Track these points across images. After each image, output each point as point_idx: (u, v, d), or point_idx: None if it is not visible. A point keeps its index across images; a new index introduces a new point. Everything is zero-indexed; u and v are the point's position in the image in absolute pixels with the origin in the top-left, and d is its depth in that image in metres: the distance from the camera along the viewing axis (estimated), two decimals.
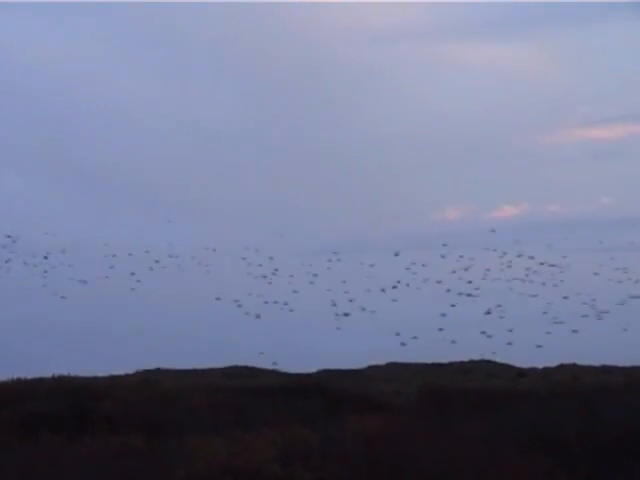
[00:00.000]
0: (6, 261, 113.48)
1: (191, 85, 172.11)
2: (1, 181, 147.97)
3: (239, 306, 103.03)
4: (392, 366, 79.02)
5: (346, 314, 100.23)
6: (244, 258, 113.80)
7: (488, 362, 79.37)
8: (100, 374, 58.14)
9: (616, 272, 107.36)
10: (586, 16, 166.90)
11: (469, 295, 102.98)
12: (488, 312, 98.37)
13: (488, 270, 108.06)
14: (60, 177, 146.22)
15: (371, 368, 78.20)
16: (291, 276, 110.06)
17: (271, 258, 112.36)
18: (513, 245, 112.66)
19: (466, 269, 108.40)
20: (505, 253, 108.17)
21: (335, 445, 27.04)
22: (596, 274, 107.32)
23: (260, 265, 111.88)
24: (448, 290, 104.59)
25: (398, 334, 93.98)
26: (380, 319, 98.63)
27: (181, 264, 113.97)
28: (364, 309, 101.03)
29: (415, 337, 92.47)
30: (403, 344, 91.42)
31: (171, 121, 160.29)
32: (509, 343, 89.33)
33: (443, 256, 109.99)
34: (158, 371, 71.32)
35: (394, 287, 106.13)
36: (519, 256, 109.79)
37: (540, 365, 75.52)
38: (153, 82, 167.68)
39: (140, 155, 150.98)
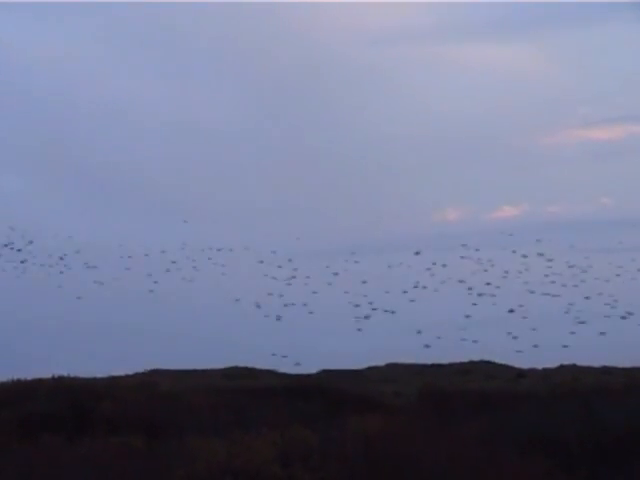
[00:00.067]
0: (22, 262, 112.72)
1: (191, 85, 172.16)
2: (1, 181, 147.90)
3: (258, 307, 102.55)
4: (392, 367, 79.06)
5: (367, 316, 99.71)
6: (261, 261, 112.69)
7: (487, 363, 79.36)
8: (103, 374, 58.30)
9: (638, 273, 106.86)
10: (586, 17, 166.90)
11: (491, 295, 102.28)
12: (511, 310, 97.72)
13: (507, 272, 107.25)
14: (60, 177, 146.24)
15: (370, 369, 78.26)
16: (308, 277, 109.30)
17: (290, 260, 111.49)
18: (534, 245, 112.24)
19: (485, 270, 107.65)
20: (526, 256, 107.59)
21: (335, 446, 27.04)
22: (617, 275, 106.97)
23: (280, 266, 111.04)
24: (470, 289, 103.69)
25: (419, 333, 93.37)
26: (401, 320, 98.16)
27: (198, 265, 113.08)
28: (385, 310, 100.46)
29: (439, 337, 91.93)
30: (427, 346, 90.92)
31: (171, 121, 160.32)
32: (535, 345, 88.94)
33: (463, 257, 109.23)
34: (157, 372, 71.38)
35: (414, 287, 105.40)
36: (540, 255, 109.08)
37: (540, 366, 75.54)
38: (153, 82, 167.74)
39: (140, 155, 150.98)
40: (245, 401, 43.09)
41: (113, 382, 50.61)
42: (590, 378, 59.12)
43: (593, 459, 29.73)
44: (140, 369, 70.00)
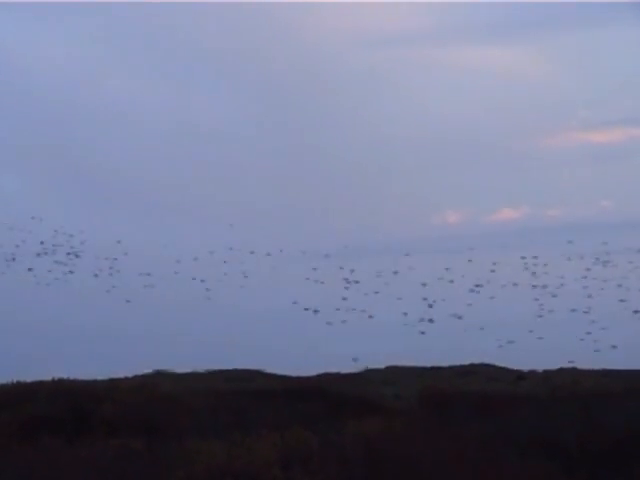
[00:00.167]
0: (70, 266, 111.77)
1: (191, 86, 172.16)
2: (1, 182, 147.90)
3: (315, 312, 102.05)
4: (392, 369, 79.11)
5: (430, 320, 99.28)
6: (315, 268, 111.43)
7: (488, 365, 79.42)
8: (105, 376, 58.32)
9: None
10: (586, 19, 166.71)
11: (554, 296, 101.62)
12: (573, 310, 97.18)
13: (563, 275, 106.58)
14: (60, 178, 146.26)
15: (370, 371, 78.30)
16: (357, 282, 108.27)
17: (341, 268, 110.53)
18: (600, 247, 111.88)
19: (533, 273, 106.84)
20: (582, 257, 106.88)
21: (335, 448, 27.04)
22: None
23: (333, 271, 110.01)
24: (534, 288, 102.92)
25: (494, 337, 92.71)
26: (466, 322, 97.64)
27: (246, 270, 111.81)
28: (449, 312, 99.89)
29: (511, 341, 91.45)
30: (501, 346, 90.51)
31: (171, 122, 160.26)
32: (614, 346, 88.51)
33: (521, 258, 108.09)
34: (159, 374, 71.40)
35: (476, 289, 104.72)
36: (599, 259, 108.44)
37: (540, 368, 75.53)
38: (153, 83, 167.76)
39: (140, 156, 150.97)
40: (245, 403, 43.11)
41: (113, 384, 50.60)
42: (590, 381, 59.15)
43: (593, 461, 29.75)
44: (139, 372, 70.06)
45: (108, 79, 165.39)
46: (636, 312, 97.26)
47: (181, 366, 74.53)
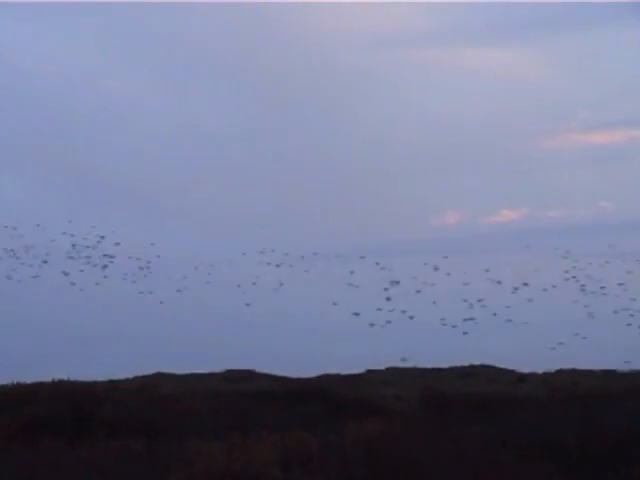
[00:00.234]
0: (106, 265, 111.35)
1: (191, 87, 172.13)
2: (2, 184, 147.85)
3: (356, 315, 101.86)
4: (392, 370, 79.10)
5: (472, 318, 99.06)
6: (353, 272, 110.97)
7: (488, 367, 79.41)
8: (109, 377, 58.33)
9: None
10: (586, 20, 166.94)
11: (603, 294, 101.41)
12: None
13: (601, 278, 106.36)
14: (59, 179, 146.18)
15: (371, 372, 78.28)
16: (398, 282, 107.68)
17: (382, 268, 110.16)
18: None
19: (573, 277, 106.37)
20: (625, 259, 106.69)
21: (335, 449, 27.04)
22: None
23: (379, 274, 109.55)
24: (582, 290, 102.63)
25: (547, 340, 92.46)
26: (514, 323, 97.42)
27: (282, 273, 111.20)
28: (491, 312, 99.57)
29: (561, 343, 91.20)
30: (552, 348, 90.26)
31: (171, 122, 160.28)
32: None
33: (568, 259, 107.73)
34: (159, 375, 71.38)
35: (515, 289, 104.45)
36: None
37: (540, 370, 75.52)
38: (153, 83, 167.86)
39: (139, 156, 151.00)
40: (245, 404, 43.09)
41: (113, 386, 50.59)
42: (590, 382, 59.15)
43: (593, 463, 29.74)
44: (139, 373, 70.00)
45: (108, 79, 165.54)
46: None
47: (196, 367, 74.40)
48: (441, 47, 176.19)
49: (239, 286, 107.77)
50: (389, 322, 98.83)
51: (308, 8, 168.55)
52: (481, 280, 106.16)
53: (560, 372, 73.16)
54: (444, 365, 79.81)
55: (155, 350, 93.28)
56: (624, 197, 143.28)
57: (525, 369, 76.21)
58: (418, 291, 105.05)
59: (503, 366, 78.75)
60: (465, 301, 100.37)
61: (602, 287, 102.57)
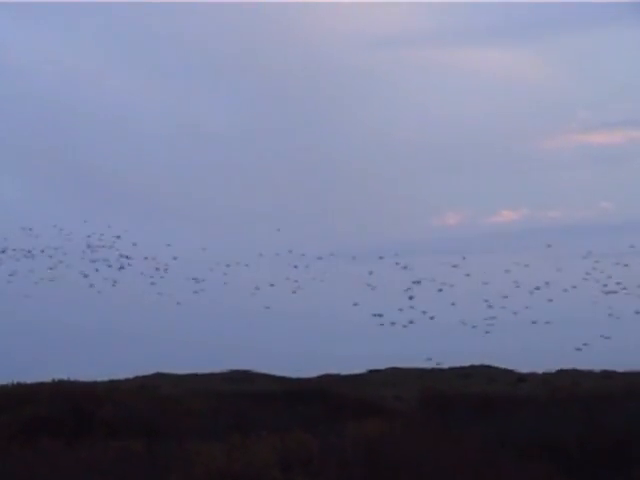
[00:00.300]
0: (121, 268, 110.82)
1: (191, 87, 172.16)
2: (2, 185, 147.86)
3: (379, 315, 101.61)
4: (392, 371, 79.13)
5: (492, 317, 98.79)
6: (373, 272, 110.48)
7: (488, 367, 79.46)
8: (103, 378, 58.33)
9: None
10: (586, 20, 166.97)
11: (627, 293, 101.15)
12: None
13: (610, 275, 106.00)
14: (59, 179, 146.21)
15: (371, 373, 78.34)
16: (418, 282, 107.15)
17: (405, 267, 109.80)
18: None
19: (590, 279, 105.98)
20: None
21: (335, 450, 27.03)
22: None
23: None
24: (607, 290, 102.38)
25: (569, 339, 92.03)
26: (539, 325, 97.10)
27: (299, 274, 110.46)
28: (513, 312, 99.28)
29: (585, 344, 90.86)
30: (578, 349, 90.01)
31: (170, 123, 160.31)
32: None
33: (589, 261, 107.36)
34: (159, 375, 71.43)
35: (537, 289, 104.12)
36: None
37: (540, 370, 75.54)
38: (153, 83, 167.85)
39: (139, 157, 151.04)
40: (245, 405, 43.10)
41: (113, 386, 50.62)
42: (590, 382, 59.19)
43: (593, 463, 29.75)
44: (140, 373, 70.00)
45: (108, 79, 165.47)
46: None
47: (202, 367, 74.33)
48: (441, 47, 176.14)
49: (257, 288, 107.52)
50: (412, 322, 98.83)
51: (308, 8, 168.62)
52: (501, 280, 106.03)
53: (561, 372, 73.23)
54: (444, 365, 79.93)
55: (154, 350, 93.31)
56: (624, 197, 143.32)
57: (524, 369, 76.29)
58: (440, 290, 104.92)
59: (504, 366, 78.81)
60: (485, 301, 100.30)
61: (623, 288, 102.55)
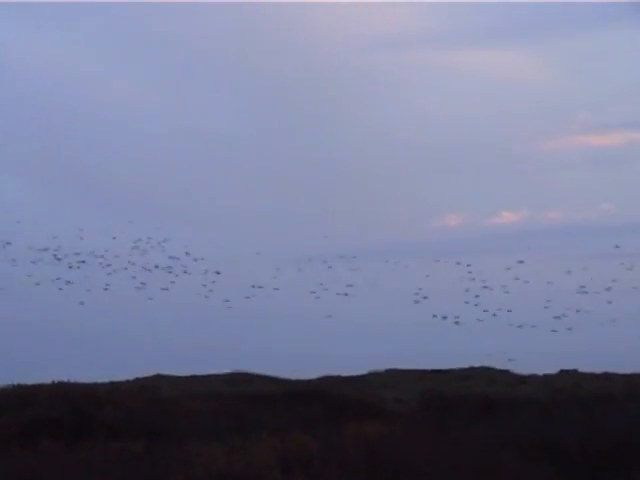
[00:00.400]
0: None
1: (191, 87, 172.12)
2: (2, 186, 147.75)
3: (443, 318, 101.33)
4: (392, 372, 79.06)
5: (557, 317, 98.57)
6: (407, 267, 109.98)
7: (488, 369, 79.36)
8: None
9: None
10: (586, 21, 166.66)
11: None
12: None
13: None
14: (58, 180, 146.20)
15: (371, 374, 78.26)
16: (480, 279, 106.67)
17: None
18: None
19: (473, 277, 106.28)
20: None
21: (336, 452, 27.01)
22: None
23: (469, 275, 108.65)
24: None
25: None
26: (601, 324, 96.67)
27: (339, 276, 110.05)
28: (578, 311, 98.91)
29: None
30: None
31: (170, 124, 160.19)
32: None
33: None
34: (159, 377, 71.39)
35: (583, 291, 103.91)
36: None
37: (540, 372, 75.40)
38: (153, 84, 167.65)
39: (139, 157, 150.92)
40: (245, 407, 43.06)
41: (113, 387, 50.57)
42: (591, 384, 59.15)
43: (594, 465, 29.71)
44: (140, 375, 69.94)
45: (108, 80, 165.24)
46: None
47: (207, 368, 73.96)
48: (441, 48, 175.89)
49: (313, 292, 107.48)
50: (480, 320, 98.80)
51: (308, 9, 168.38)
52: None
53: (562, 373, 73.18)
54: (444, 367, 79.79)
55: (154, 352, 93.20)
56: (625, 199, 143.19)
57: (525, 371, 76.18)
58: (506, 292, 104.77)
59: (503, 368, 78.68)
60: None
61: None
